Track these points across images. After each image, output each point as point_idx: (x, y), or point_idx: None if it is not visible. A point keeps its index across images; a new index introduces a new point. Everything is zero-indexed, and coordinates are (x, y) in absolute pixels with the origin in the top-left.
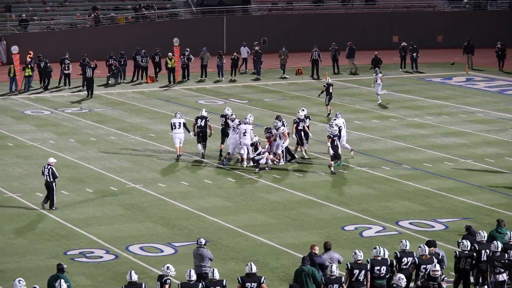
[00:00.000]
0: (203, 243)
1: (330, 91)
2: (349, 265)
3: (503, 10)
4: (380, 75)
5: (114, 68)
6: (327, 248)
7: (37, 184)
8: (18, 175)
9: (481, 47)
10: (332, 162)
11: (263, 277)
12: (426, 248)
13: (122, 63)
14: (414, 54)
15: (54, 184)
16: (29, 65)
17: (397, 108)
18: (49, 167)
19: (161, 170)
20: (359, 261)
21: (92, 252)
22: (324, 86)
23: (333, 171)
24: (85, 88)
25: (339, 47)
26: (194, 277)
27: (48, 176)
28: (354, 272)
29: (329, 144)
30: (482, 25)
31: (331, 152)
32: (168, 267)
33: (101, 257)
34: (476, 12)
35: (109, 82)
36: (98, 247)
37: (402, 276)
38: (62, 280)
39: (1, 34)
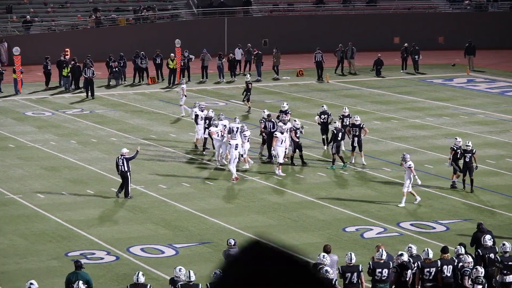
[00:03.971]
0: (233, 243)
1: (249, 87)
2: (340, 268)
3: (504, 11)
4: (184, 86)
5: (115, 69)
6: (326, 251)
7: (38, 185)
8: (19, 177)
9: (482, 49)
10: (457, 175)
11: None
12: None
13: (121, 64)
14: (416, 57)
15: (129, 173)
16: (66, 65)
17: (398, 109)
18: (122, 157)
19: (162, 171)
20: (351, 264)
21: (93, 254)
22: (249, 83)
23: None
24: (84, 89)
25: (345, 49)
26: (193, 277)
27: (122, 166)
28: (346, 275)
29: (450, 156)
30: (483, 27)
31: (455, 166)
32: (180, 269)
33: (102, 258)
34: (477, 14)
35: (110, 83)
36: (99, 248)
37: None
38: (81, 282)
39: (2, 35)
